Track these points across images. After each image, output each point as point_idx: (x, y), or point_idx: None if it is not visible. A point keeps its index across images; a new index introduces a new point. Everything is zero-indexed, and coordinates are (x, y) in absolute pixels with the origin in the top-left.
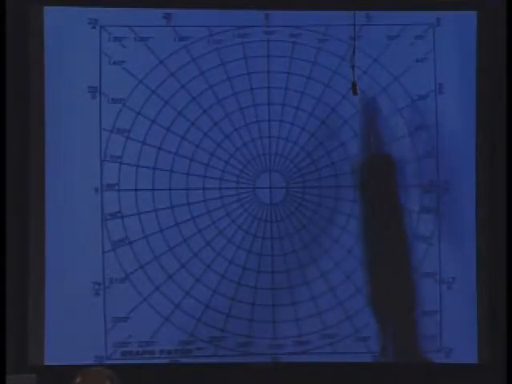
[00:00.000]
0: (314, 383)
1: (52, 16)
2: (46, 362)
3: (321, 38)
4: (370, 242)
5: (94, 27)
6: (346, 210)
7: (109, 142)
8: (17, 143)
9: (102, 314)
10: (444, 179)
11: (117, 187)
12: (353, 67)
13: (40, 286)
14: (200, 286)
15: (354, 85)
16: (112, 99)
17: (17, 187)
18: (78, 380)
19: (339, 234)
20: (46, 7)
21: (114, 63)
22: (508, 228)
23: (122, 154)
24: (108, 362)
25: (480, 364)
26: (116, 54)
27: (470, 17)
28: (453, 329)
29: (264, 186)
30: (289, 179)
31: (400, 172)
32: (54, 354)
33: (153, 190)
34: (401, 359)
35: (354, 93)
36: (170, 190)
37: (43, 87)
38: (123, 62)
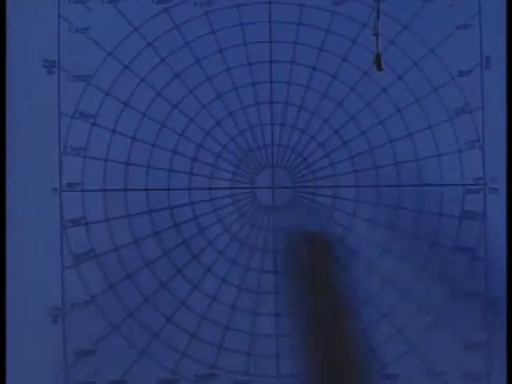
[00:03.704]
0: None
1: None
2: None
3: None
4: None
5: None
6: (365, 214)
7: (69, 131)
8: None
9: (62, 346)
10: (491, 176)
11: (80, 187)
12: (376, 35)
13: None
14: (184, 310)
15: (378, 57)
16: (73, 76)
17: None
18: None
19: (357, 242)
20: None
21: (76, 31)
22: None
23: (86, 145)
24: None
25: None
26: (78, 20)
27: None
28: None
29: (265, 185)
30: (296, 177)
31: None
32: None
33: (125, 190)
34: None
35: (379, 67)
36: (146, 190)
37: (4, 62)
38: (87, 29)
